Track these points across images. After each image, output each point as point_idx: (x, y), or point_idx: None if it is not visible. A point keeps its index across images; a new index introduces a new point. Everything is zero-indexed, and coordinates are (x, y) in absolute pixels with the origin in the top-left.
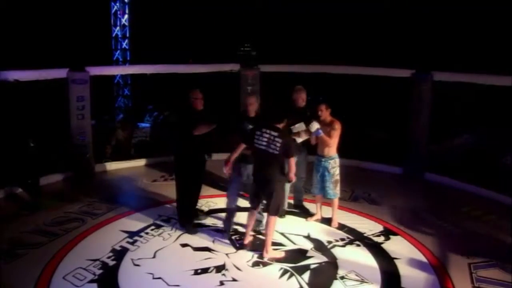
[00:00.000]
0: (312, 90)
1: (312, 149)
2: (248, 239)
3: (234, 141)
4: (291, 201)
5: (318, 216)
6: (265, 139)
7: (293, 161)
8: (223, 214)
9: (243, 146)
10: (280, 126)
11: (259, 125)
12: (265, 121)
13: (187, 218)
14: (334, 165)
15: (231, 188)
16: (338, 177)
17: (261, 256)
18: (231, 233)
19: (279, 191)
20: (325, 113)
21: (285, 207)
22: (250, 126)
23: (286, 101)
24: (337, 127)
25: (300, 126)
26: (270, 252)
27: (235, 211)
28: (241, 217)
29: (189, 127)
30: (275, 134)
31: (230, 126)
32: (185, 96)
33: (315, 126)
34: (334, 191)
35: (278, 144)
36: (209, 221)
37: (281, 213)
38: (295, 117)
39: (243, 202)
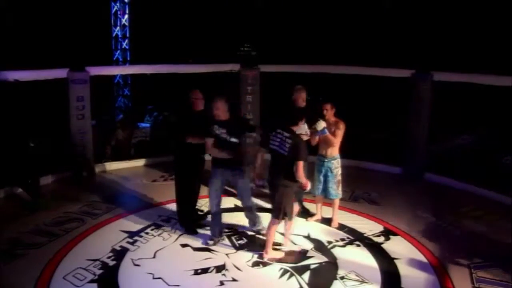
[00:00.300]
0: (313, 90)
1: (312, 149)
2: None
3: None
4: None
5: (318, 216)
6: (278, 140)
7: (301, 165)
8: (221, 214)
9: (262, 150)
10: (295, 128)
11: (275, 126)
12: (282, 123)
13: (187, 218)
14: (337, 165)
15: (211, 191)
16: (340, 177)
17: (261, 257)
18: (230, 233)
19: (284, 195)
20: (330, 113)
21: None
22: (222, 130)
23: (286, 101)
24: (342, 127)
25: (302, 128)
26: (270, 253)
27: (219, 213)
28: (236, 217)
29: (183, 133)
30: (287, 135)
31: (203, 131)
32: (185, 96)
33: (322, 124)
34: (337, 191)
35: (288, 145)
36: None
37: (288, 217)
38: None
39: (238, 202)
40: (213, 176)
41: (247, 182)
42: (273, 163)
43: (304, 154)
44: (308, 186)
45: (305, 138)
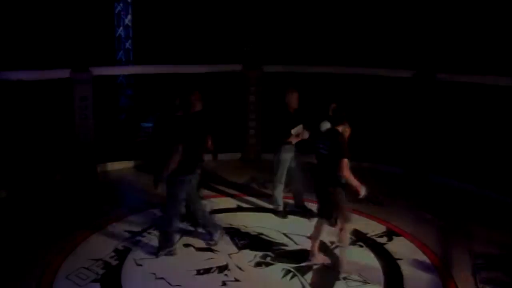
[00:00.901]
0: (313, 90)
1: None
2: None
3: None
4: (292, 201)
5: None
6: (321, 141)
7: (345, 163)
8: (224, 214)
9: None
10: (340, 128)
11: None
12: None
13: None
14: None
15: None
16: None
17: (264, 256)
18: (231, 231)
19: (332, 202)
20: None
21: (279, 206)
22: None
23: (280, 103)
24: (347, 129)
25: (299, 129)
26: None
27: (202, 217)
28: (238, 218)
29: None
30: (327, 134)
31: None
32: (185, 97)
33: (327, 125)
34: None
35: (328, 143)
36: None
37: (331, 222)
38: (291, 118)
39: (240, 202)
40: None
41: (168, 194)
42: (318, 165)
43: (347, 151)
44: (362, 191)
45: (300, 138)
